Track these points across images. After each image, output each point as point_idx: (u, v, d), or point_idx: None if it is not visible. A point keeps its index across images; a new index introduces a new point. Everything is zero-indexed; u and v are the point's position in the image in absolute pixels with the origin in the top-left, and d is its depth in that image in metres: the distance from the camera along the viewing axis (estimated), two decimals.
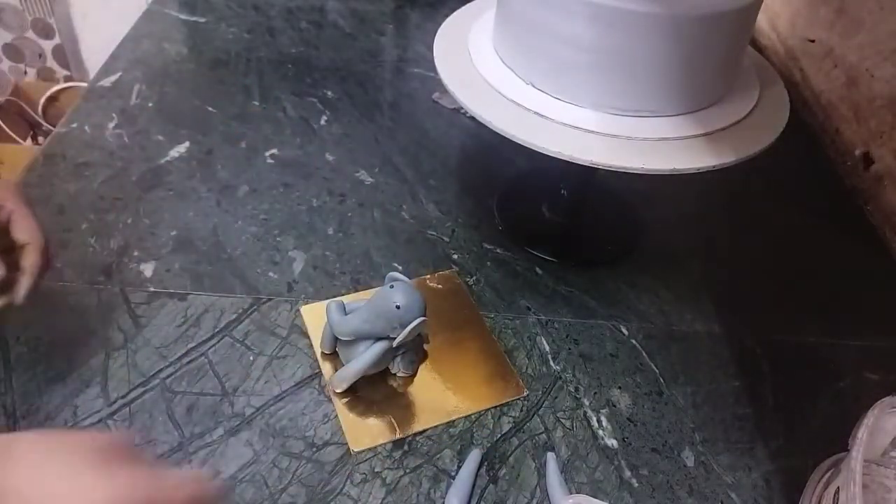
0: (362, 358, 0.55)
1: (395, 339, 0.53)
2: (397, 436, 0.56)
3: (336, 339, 0.58)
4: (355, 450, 0.54)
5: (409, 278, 0.55)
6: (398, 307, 0.52)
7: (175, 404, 0.56)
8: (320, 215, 0.75)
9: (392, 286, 0.53)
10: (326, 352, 0.60)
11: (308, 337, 0.61)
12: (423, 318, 0.52)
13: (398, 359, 0.59)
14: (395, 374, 0.59)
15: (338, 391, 0.57)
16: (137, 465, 0.37)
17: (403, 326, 0.52)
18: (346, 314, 0.56)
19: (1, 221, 0.50)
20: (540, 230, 0.77)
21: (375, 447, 0.55)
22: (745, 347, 0.67)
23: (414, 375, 0.60)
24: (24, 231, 0.51)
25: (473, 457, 0.54)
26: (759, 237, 0.80)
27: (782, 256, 0.78)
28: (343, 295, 0.66)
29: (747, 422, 0.60)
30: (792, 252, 0.79)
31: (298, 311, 0.64)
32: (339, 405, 0.57)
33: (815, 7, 1.01)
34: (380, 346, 0.54)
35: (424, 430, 0.56)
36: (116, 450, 0.37)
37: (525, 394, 0.60)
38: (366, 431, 0.56)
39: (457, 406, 0.58)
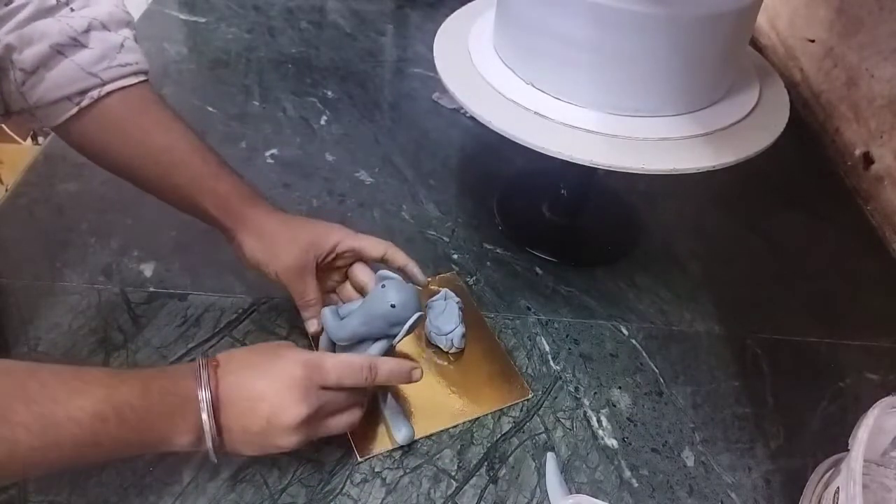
0: None
1: (394, 336, 0.53)
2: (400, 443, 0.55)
3: (334, 344, 0.58)
4: (361, 459, 0.54)
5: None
6: (393, 306, 0.52)
7: None
8: (320, 215, 0.74)
9: (384, 285, 0.53)
10: None
11: (308, 337, 0.61)
12: (420, 314, 0.52)
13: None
14: (446, 352, 0.61)
15: None
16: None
17: (401, 324, 0.52)
18: (340, 319, 0.56)
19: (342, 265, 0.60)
20: (540, 230, 0.77)
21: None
22: (745, 347, 0.67)
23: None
24: (376, 246, 0.59)
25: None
26: (759, 237, 0.80)
27: (782, 256, 0.78)
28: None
29: (747, 422, 0.60)
30: (792, 252, 0.79)
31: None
32: None
33: (814, 7, 1.01)
34: (379, 347, 0.54)
35: (430, 435, 0.56)
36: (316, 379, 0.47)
37: (530, 396, 0.60)
38: (371, 438, 0.55)
39: (462, 409, 0.58)
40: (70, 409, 0.39)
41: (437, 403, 0.58)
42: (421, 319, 0.53)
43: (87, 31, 0.51)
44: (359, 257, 0.59)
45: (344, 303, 0.60)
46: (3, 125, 1.63)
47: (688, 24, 0.55)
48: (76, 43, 0.51)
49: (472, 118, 0.61)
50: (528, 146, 0.57)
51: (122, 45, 0.53)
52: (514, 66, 0.64)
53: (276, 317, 0.64)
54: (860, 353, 0.67)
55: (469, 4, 0.75)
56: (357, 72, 0.98)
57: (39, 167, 0.77)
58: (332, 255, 0.58)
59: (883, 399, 0.51)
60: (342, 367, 0.48)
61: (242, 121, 0.87)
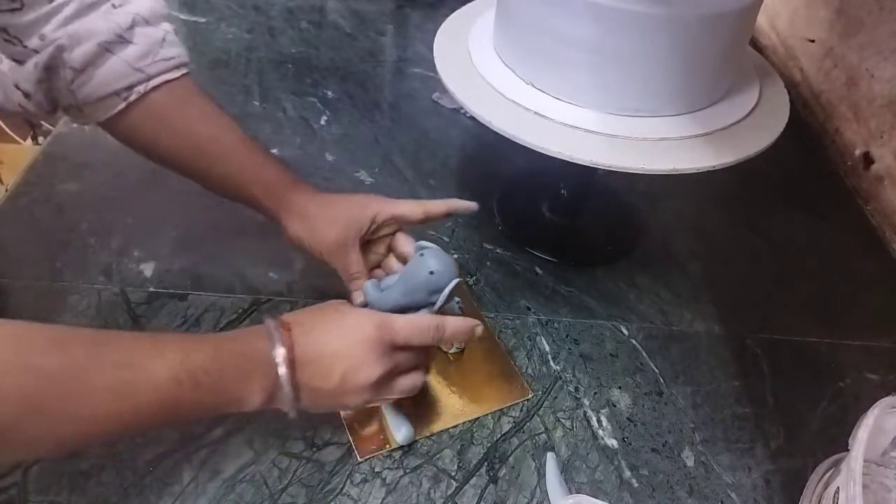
0: None
1: (433, 304, 0.53)
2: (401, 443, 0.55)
3: None
4: (361, 459, 0.54)
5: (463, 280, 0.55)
6: (432, 273, 0.52)
7: None
8: None
9: (422, 254, 0.54)
10: None
11: None
12: (458, 279, 0.53)
13: None
14: (446, 352, 0.61)
15: None
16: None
17: (440, 291, 0.52)
18: (381, 291, 0.56)
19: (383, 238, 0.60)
20: (540, 230, 0.77)
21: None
22: (745, 347, 0.67)
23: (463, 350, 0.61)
24: (414, 209, 0.59)
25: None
26: (759, 237, 0.80)
27: (782, 256, 0.78)
28: (343, 295, 0.66)
29: (747, 422, 0.60)
30: (792, 252, 0.79)
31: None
32: (344, 415, 0.57)
33: (814, 7, 1.01)
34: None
35: (430, 435, 0.56)
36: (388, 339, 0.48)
37: (530, 396, 0.60)
38: (371, 439, 0.55)
39: (462, 409, 0.58)
40: (146, 373, 0.40)
41: (437, 403, 0.58)
42: (459, 286, 0.54)
43: (132, 27, 0.52)
44: (400, 225, 0.60)
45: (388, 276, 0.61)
46: (2, 125, 1.63)
47: (688, 24, 0.55)
48: (122, 39, 0.52)
49: (472, 118, 0.61)
50: (528, 146, 0.57)
51: (163, 40, 0.54)
52: (514, 66, 0.64)
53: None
54: (860, 353, 0.67)
55: (469, 4, 0.75)
56: (357, 72, 0.98)
57: (39, 167, 0.77)
58: (374, 226, 0.58)
59: (883, 399, 0.51)
60: (411, 326, 0.49)
61: (242, 121, 0.85)
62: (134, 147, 0.58)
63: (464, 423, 0.57)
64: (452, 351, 0.61)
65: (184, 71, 0.56)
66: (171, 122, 0.56)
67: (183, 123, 0.56)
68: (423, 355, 0.52)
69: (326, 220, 0.57)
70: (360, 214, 0.58)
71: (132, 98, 0.53)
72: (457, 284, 0.53)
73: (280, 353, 0.45)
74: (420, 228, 0.75)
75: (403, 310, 0.54)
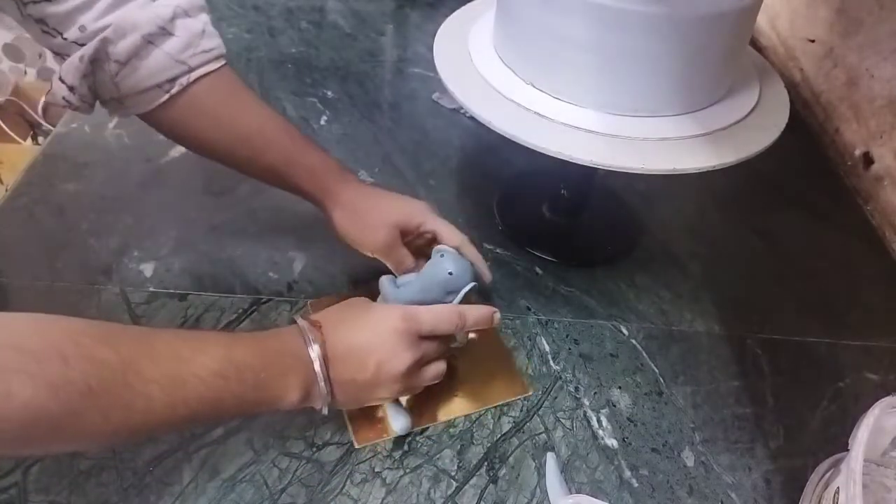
0: None
1: (449, 304, 0.55)
2: (398, 433, 0.55)
3: None
4: (359, 446, 0.54)
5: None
6: (451, 273, 0.54)
7: None
8: (320, 215, 0.75)
9: (442, 255, 0.56)
10: None
11: None
12: (474, 283, 0.55)
13: None
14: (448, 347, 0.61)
15: None
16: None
17: (456, 292, 0.54)
18: (397, 287, 0.58)
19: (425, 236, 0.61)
20: (540, 230, 0.77)
21: (376, 446, 0.55)
22: (745, 347, 0.67)
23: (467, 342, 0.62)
24: (453, 235, 0.60)
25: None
26: (758, 237, 0.80)
27: (782, 256, 0.78)
28: (343, 295, 0.66)
29: (747, 422, 0.60)
30: (792, 252, 0.79)
31: (307, 303, 0.64)
32: None
33: (815, 7, 1.01)
34: None
35: (426, 429, 0.56)
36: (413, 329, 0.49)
37: (530, 392, 0.60)
38: (370, 428, 0.56)
39: (462, 404, 0.58)
40: (194, 367, 0.41)
41: (437, 397, 0.58)
42: (475, 290, 0.55)
43: (173, 19, 0.53)
44: (434, 240, 0.61)
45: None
46: (3, 125, 1.63)
47: (688, 24, 0.55)
48: (164, 31, 0.52)
49: (472, 118, 0.61)
50: (528, 146, 0.57)
51: (203, 31, 0.55)
52: (514, 66, 0.64)
53: (276, 317, 0.64)
54: (860, 353, 0.67)
55: (469, 4, 0.75)
56: (357, 72, 0.98)
57: (39, 167, 0.77)
58: (414, 235, 0.60)
59: (883, 399, 0.51)
60: (435, 315, 0.51)
61: None
62: (175, 138, 0.59)
63: (464, 420, 0.57)
64: (454, 345, 0.61)
65: (223, 62, 0.57)
66: (214, 114, 0.56)
67: (227, 115, 0.57)
68: (446, 345, 0.54)
69: (376, 220, 0.59)
70: (409, 219, 0.59)
71: (175, 90, 0.54)
72: (472, 288, 0.55)
73: (315, 350, 0.46)
74: None
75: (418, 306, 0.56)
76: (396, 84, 0.98)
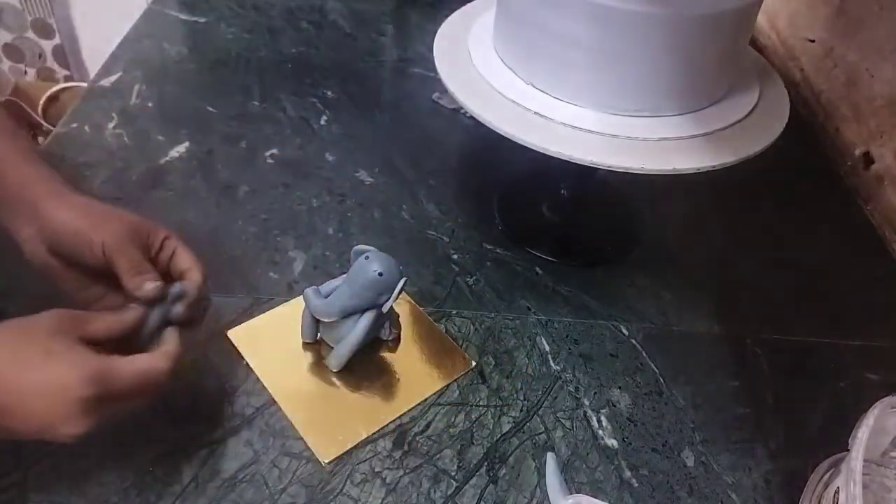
0: (356, 331, 0.56)
1: (383, 304, 0.55)
2: (364, 435, 0.55)
3: (317, 325, 0.59)
4: (326, 462, 0.53)
5: (408, 279, 0.56)
6: (380, 274, 0.54)
7: (175, 404, 0.56)
8: (320, 215, 0.75)
9: (367, 256, 0.55)
10: (308, 341, 0.60)
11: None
12: (405, 279, 0.55)
13: (387, 323, 0.60)
14: (387, 340, 0.61)
15: (335, 370, 0.58)
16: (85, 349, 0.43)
17: (389, 291, 0.54)
18: (324, 297, 0.57)
19: (164, 255, 0.53)
20: (540, 230, 0.77)
21: (376, 446, 0.55)
22: (745, 347, 0.67)
23: (399, 335, 0.62)
24: (187, 261, 0.52)
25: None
26: (758, 237, 0.80)
27: (782, 256, 0.78)
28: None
29: (747, 422, 0.60)
30: (792, 252, 0.79)
31: (226, 336, 0.60)
32: (297, 419, 0.55)
33: (815, 7, 1.01)
34: (369, 317, 0.56)
35: (426, 429, 0.56)
36: (69, 329, 0.44)
37: (473, 364, 0.61)
38: (332, 441, 0.54)
39: (409, 393, 0.58)
40: None
41: (384, 392, 0.58)
42: (406, 285, 0.55)
43: None
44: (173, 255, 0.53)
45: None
46: None
47: (688, 24, 0.55)
48: None
49: (472, 118, 0.61)
50: (528, 146, 0.57)
51: None
52: (514, 66, 0.64)
53: None
54: (860, 353, 0.67)
55: (469, 4, 0.75)
56: (357, 72, 0.98)
57: None
58: (155, 246, 0.52)
59: (883, 399, 0.51)
60: (136, 373, 0.44)
61: (242, 121, 0.87)
62: None
63: (463, 422, 0.57)
64: (390, 338, 0.62)
65: None
66: None
67: None
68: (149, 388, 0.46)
69: (109, 211, 0.51)
70: (145, 223, 0.52)
71: None
72: (405, 283, 0.55)
73: None
74: (415, 229, 0.75)
75: (350, 313, 0.56)
76: (396, 84, 0.98)
